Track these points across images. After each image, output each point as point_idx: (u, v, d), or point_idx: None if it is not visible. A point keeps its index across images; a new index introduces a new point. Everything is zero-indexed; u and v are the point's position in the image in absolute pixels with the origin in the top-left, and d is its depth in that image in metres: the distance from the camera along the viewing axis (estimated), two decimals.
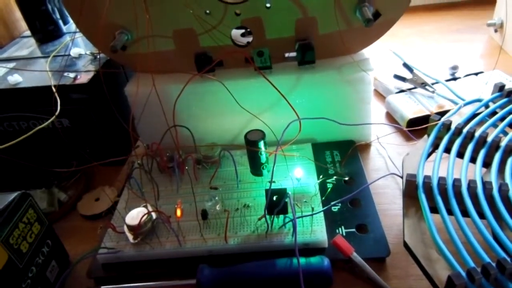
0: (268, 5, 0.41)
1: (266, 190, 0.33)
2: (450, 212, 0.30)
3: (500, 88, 0.40)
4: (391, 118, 0.50)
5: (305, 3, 0.41)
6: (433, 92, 0.50)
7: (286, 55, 0.46)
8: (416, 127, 0.43)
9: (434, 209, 0.30)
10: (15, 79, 0.45)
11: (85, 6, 0.41)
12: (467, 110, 0.39)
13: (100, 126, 0.46)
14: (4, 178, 0.47)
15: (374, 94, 0.55)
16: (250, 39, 0.44)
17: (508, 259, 0.25)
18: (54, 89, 0.42)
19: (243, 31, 0.46)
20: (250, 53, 0.44)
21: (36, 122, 0.46)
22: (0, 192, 0.41)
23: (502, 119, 0.37)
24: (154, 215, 0.36)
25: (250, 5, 0.41)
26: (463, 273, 0.25)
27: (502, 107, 0.38)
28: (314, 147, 0.45)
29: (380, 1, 0.40)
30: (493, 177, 0.31)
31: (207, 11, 0.42)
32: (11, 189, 0.44)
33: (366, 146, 0.47)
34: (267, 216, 0.34)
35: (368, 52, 0.45)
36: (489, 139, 0.34)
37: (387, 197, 0.39)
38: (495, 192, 0.29)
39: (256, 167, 0.40)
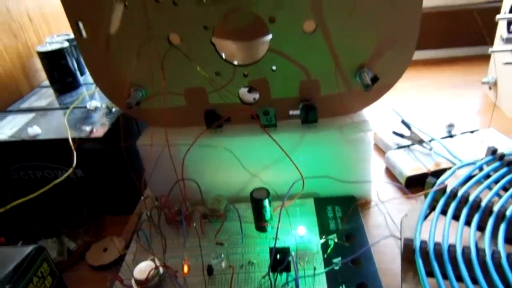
0: (274, 67, 0.44)
1: (270, 249, 0.35)
2: (445, 276, 0.31)
3: (493, 151, 0.42)
4: (390, 173, 0.53)
5: (309, 67, 0.44)
6: (430, 149, 0.52)
7: (291, 112, 0.49)
8: (414, 191, 0.45)
9: (431, 273, 0.31)
10: (35, 131, 0.47)
11: (106, 68, 0.44)
12: (462, 172, 0.41)
13: (112, 177, 0.49)
14: (15, 227, 0.49)
15: (375, 148, 0.57)
16: (256, 95, 0.47)
17: None
18: (71, 143, 0.45)
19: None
20: (256, 111, 0.46)
21: (51, 171, 0.48)
22: (12, 243, 0.43)
23: (496, 181, 0.39)
24: (161, 269, 0.38)
25: (257, 68, 0.44)
26: None
27: (495, 170, 0.40)
28: (316, 202, 0.46)
29: (379, 67, 0.43)
30: (486, 243, 0.32)
31: (217, 72, 0.45)
32: (22, 238, 0.46)
33: (367, 202, 0.48)
34: (271, 274, 0.35)
35: (369, 108, 0.48)
36: (483, 203, 0.36)
37: (387, 255, 0.41)
38: (488, 259, 0.31)
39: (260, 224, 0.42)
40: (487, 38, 0.48)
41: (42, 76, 0.64)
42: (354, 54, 0.42)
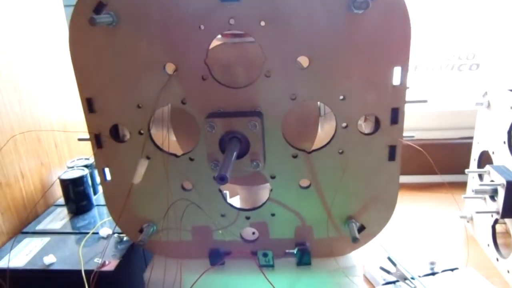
0: (273, 212, 0.50)
1: None
2: None
3: None
4: None
5: (304, 215, 0.50)
6: None
7: (287, 250, 0.54)
8: None
9: None
10: (50, 260, 0.51)
11: (124, 207, 0.50)
12: None
13: None
14: None
15: (364, 280, 0.61)
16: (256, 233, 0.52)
17: None
18: (84, 277, 0.48)
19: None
20: (255, 249, 0.51)
21: None
22: None
23: None
24: None
25: (258, 212, 0.50)
26: None
27: None
28: None
29: (365, 218, 0.49)
30: None
31: (223, 214, 0.50)
32: None
33: None
34: None
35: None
36: None
37: None
38: None
39: None
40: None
41: (57, 193, 0.69)
42: (343, 207, 0.49)
